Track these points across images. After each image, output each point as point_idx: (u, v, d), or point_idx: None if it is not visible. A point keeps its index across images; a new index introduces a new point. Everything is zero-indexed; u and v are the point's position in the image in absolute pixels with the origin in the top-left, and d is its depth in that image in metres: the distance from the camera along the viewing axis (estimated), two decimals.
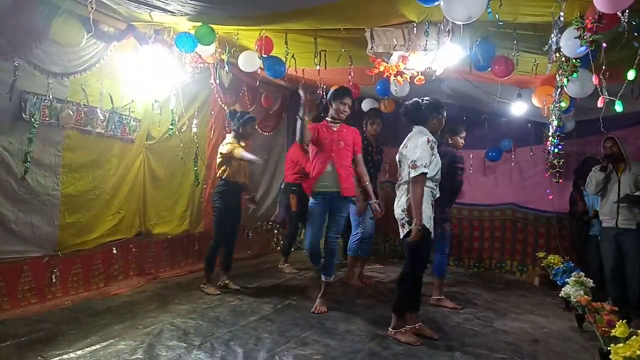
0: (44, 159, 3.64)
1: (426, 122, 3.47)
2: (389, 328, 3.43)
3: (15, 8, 3.14)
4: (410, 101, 3.54)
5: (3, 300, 3.41)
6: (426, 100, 3.53)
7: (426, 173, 3.22)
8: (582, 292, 3.85)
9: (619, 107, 3.07)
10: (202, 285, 4.45)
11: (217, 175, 4.50)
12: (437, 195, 3.46)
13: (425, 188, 3.26)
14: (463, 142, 4.69)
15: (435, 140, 3.41)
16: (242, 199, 4.71)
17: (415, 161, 3.22)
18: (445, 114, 3.59)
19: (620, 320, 2.85)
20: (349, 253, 5.13)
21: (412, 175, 3.21)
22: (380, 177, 5.46)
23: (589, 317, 3.36)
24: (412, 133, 3.47)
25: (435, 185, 3.43)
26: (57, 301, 3.75)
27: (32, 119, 3.47)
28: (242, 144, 4.46)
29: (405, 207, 3.31)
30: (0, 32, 3.14)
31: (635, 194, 4.11)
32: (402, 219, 3.36)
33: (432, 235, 3.38)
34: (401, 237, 3.40)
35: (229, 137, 4.49)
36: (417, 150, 3.26)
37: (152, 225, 4.88)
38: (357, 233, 4.97)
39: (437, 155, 3.39)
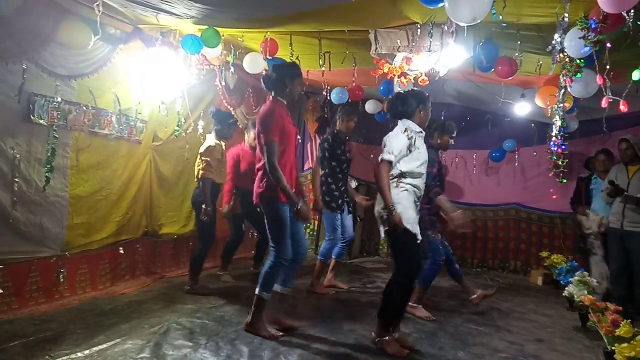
0: (54, 160, 3.67)
1: (412, 115, 3.20)
2: (374, 334, 3.23)
3: (23, 11, 3.18)
4: (394, 94, 3.37)
5: (11, 299, 3.44)
6: (410, 91, 3.33)
7: (390, 161, 3.02)
8: (585, 292, 3.86)
9: (636, 75, 3.02)
10: (187, 287, 4.37)
11: (197, 175, 4.32)
12: (421, 194, 3.21)
13: (405, 185, 3.08)
14: (452, 143, 4.27)
15: (419, 133, 3.17)
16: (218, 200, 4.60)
17: (383, 147, 3.09)
18: (430, 104, 3.29)
19: (625, 320, 2.86)
20: (320, 259, 4.70)
21: (379, 159, 3.06)
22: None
23: (592, 317, 3.37)
24: (396, 127, 3.23)
25: (419, 182, 3.16)
26: (64, 301, 3.78)
27: (52, 129, 3.57)
28: (223, 143, 4.50)
29: (383, 205, 3.09)
30: (9, 35, 3.17)
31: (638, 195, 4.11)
32: (379, 217, 3.17)
33: (419, 239, 3.12)
34: (381, 236, 3.24)
35: (211, 139, 4.41)
36: (390, 138, 3.11)
37: (159, 225, 4.92)
38: (334, 239, 4.63)
39: (420, 148, 3.15)
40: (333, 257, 4.75)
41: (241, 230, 5.10)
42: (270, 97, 3.32)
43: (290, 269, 3.42)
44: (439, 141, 4.17)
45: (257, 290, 3.27)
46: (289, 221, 3.27)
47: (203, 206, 4.23)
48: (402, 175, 3.09)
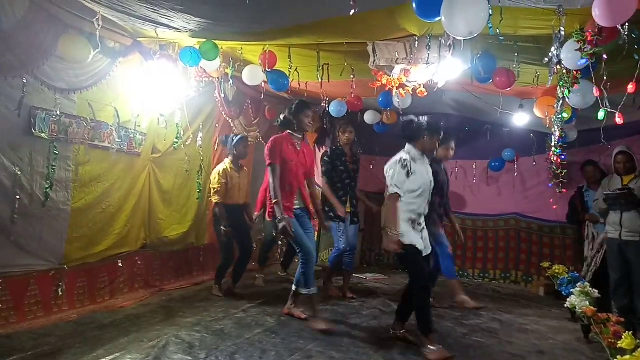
0: (55, 174, 3.69)
1: (416, 140, 3.52)
2: (421, 348, 3.35)
3: (23, 25, 3.21)
4: (406, 118, 3.68)
5: (10, 314, 3.43)
6: (423, 119, 3.61)
7: (398, 194, 3.35)
8: (587, 303, 3.83)
9: (601, 114, 3.12)
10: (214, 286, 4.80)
11: (213, 199, 4.71)
12: (421, 212, 3.47)
13: (403, 205, 3.37)
14: (452, 154, 4.71)
15: (413, 158, 3.44)
16: (244, 218, 4.92)
17: (387, 179, 3.44)
18: (440, 136, 3.61)
19: (627, 332, 2.84)
20: (328, 265, 5.10)
21: (387, 192, 3.43)
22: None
23: (595, 328, 3.34)
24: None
25: (418, 203, 3.42)
26: (63, 314, 3.77)
27: (53, 145, 3.63)
28: (240, 165, 4.90)
29: (382, 225, 3.42)
30: (9, 48, 3.19)
31: (610, 193, 4.12)
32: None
33: (423, 253, 3.43)
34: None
35: (227, 161, 4.84)
36: (390, 169, 3.45)
37: (158, 238, 4.91)
38: (339, 249, 4.85)
39: (417, 172, 3.41)
40: (343, 267, 5.02)
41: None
42: (286, 132, 4.04)
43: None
44: (436, 154, 4.45)
45: (299, 289, 3.89)
46: (300, 229, 3.87)
47: (222, 227, 4.59)
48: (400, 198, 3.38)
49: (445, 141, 4.54)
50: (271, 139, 3.95)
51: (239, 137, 4.90)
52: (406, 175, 3.37)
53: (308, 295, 3.87)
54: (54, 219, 3.71)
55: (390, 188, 3.38)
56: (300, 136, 4.05)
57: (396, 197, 3.36)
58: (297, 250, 3.96)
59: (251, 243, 4.96)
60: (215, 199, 4.65)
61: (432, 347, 3.28)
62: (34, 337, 3.27)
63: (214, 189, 4.67)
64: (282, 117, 4.11)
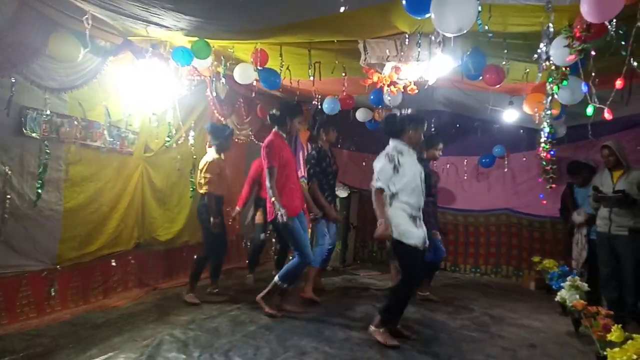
0: (47, 174, 3.67)
1: (401, 134, 3.55)
2: (370, 325, 3.53)
3: (12, 24, 3.18)
4: (386, 115, 3.71)
5: (1, 315, 3.41)
6: (402, 113, 3.64)
7: (382, 189, 3.37)
8: (577, 297, 3.88)
9: (590, 110, 3.16)
10: (185, 294, 4.47)
11: (203, 190, 4.46)
12: (419, 205, 3.49)
13: (398, 204, 3.39)
14: (440, 154, 4.79)
15: (400, 151, 3.46)
16: (223, 211, 4.72)
17: (376, 174, 3.43)
18: (424, 127, 3.64)
19: (616, 325, 2.89)
20: (314, 265, 4.67)
21: (373, 185, 3.44)
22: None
23: (585, 322, 3.39)
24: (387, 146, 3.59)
25: (414, 198, 3.43)
26: (56, 315, 3.75)
27: (44, 144, 3.59)
28: (223, 156, 4.64)
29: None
30: None
31: (605, 195, 4.18)
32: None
33: (420, 250, 3.44)
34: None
35: (211, 154, 4.57)
36: (376, 163, 3.47)
37: (152, 237, 4.90)
38: (323, 245, 4.80)
39: (405, 165, 3.42)
40: (314, 265, 4.76)
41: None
42: (273, 130, 4.11)
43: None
44: (425, 155, 4.58)
45: (276, 279, 4.00)
46: (301, 229, 3.98)
47: (212, 219, 4.39)
48: (394, 196, 3.41)
49: (434, 142, 4.64)
50: (269, 141, 3.99)
51: (229, 130, 4.77)
52: (393, 169, 3.38)
53: (285, 289, 4.08)
54: (46, 219, 3.70)
55: (376, 182, 3.40)
56: (285, 136, 4.17)
57: (379, 191, 3.38)
58: (296, 253, 3.99)
59: (227, 237, 4.80)
60: (205, 189, 4.42)
61: (383, 330, 3.45)
62: (26, 338, 3.25)
63: (206, 178, 4.42)
64: (274, 112, 4.14)
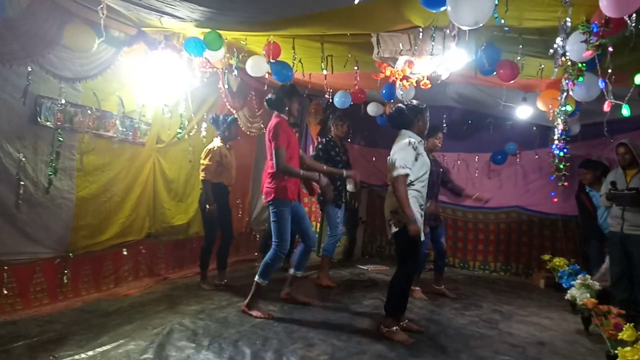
0: (60, 162, 3.71)
1: (411, 125, 3.58)
2: (381, 326, 3.53)
3: (28, 14, 3.21)
4: (393, 107, 3.69)
5: (15, 300, 3.46)
6: (408, 104, 3.66)
7: (407, 175, 3.35)
8: (588, 295, 3.86)
9: (626, 111, 3.09)
10: (200, 282, 4.70)
11: (201, 176, 4.56)
12: (425, 197, 3.55)
13: (412, 192, 3.40)
14: (439, 144, 4.82)
15: (421, 140, 3.57)
16: (228, 200, 4.81)
17: (394, 162, 3.39)
18: (428, 115, 3.66)
19: (628, 324, 2.86)
20: (325, 254, 5.10)
21: (392, 175, 3.37)
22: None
23: (595, 320, 3.37)
24: (398, 137, 3.59)
25: (423, 187, 3.51)
26: (68, 302, 3.80)
27: (58, 132, 3.64)
28: (228, 146, 4.74)
29: (393, 209, 3.44)
30: (14, 37, 3.20)
31: (618, 192, 4.12)
32: (389, 220, 3.52)
33: (422, 238, 3.49)
34: (388, 237, 3.60)
35: (217, 141, 4.69)
36: (399, 152, 3.43)
37: (163, 227, 4.94)
38: (336, 235, 5.01)
39: (423, 155, 3.50)
40: (325, 254, 5.08)
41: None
42: (274, 114, 3.93)
43: (304, 256, 4.15)
44: (425, 145, 4.46)
45: (256, 278, 3.85)
46: (289, 220, 3.84)
47: (207, 206, 4.49)
48: (411, 183, 3.41)
49: (434, 132, 4.62)
50: (275, 122, 3.81)
51: (231, 117, 4.83)
52: (415, 158, 3.40)
53: (264, 285, 3.87)
54: (59, 207, 3.74)
55: (397, 170, 3.33)
56: (287, 120, 4.01)
57: (404, 177, 3.34)
58: (274, 242, 3.82)
59: (232, 227, 4.84)
60: (203, 175, 4.50)
61: (395, 329, 3.45)
62: (39, 324, 3.30)
63: (202, 165, 4.52)
64: (270, 97, 3.95)
